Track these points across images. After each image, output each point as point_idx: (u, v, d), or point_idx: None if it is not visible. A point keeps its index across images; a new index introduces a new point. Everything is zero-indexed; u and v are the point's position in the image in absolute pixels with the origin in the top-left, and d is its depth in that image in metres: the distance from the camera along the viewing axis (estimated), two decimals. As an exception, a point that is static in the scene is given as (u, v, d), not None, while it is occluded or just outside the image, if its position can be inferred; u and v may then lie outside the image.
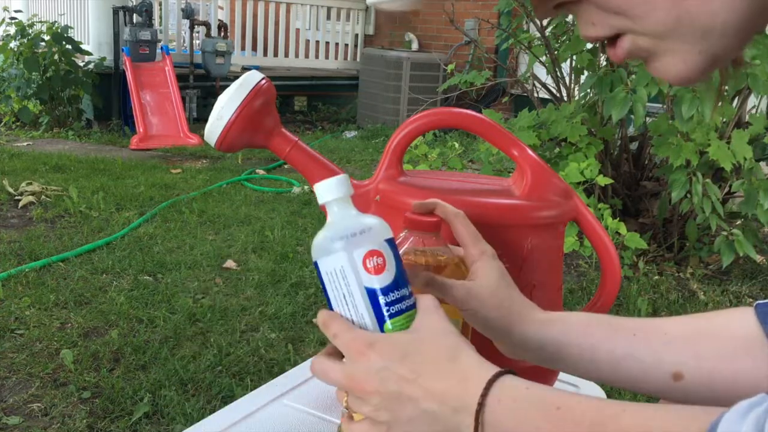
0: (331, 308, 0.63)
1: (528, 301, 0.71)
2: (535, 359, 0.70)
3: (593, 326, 0.70)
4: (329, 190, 0.64)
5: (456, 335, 0.59)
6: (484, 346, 0.80)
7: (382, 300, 0.61)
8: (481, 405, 0.53)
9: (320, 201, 0.64)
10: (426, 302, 0.62)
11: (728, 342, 0.65)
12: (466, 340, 0.59)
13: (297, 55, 7.62)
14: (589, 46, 3.26)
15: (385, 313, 0.61)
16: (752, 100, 3.31)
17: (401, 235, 0.73)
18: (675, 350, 0.66)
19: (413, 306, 0.62)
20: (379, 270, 0.61)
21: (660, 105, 3.55)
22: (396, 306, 0.61)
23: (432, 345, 0.58)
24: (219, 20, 6.85)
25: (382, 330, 0.61)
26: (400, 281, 0.62)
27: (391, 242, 0.63)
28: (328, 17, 7.91)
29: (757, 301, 0.66)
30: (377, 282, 0.61)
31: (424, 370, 0.56)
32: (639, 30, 0.47)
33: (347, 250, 0.61)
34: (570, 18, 3.37)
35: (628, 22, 0.47)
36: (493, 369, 0.56)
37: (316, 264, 0.63)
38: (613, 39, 0.50)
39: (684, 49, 0.47)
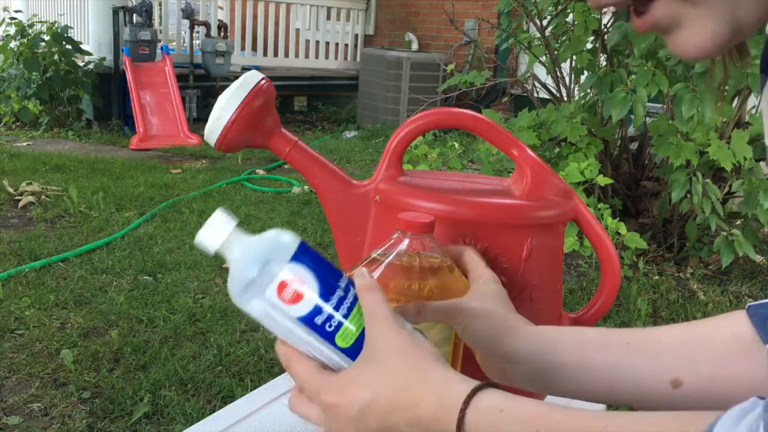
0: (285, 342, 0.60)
1: (522, 318, 0.70)
2: (525, 375, 0.67)
3: (586, 336, 0.68)
4: (211, 237, 0.59)
5: (413, 348, 0.57)
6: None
7: (319, 320, 0.57)
8: None
9: (211, 252, 0.59)
10: (369, 304, 0.58)
11: (724, 347, 0.64)
12: (426, 349, 0.57)
13: (297, 55, 7.63)
14: (589, 46, 3.26)
15: (329, 329, 0.58)
16: (752, 100, 3.31)
17: (395, 235, 0.73)
18: (671, 357, 0.65)
19: (353, 303, 0.59)
20: (298, 297, 0.57)
21: (660, 105, 3.56)
22: (341, 310, 0.58)
23: (395, 370, 0.56)
24: (219, 20, 6.85)
25: (334, 344, 0.58)
26: (327, 288, 0.58)
27: (298, 254, 0.58)
28: (328, 17, 7.91)
29: (749, 303, 0.65)
30: (304, 308, 0.57)
31: (398, 400, 0.55)
32: None
33: (258, 296, 0.57)
34: (570, 18, 3.37)
35: None
36: (466, 387, 0.54)
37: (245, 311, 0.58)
38: (638, 5, 0.48)
39: (712, 16, 0.46)
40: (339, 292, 0.58)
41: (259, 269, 0.57)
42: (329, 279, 0.58)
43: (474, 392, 0.53)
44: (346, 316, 0.58)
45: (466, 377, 0.55)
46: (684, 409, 0.61)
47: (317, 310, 0.57)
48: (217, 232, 0.59)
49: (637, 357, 0.66)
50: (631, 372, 0.65)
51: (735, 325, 0.64)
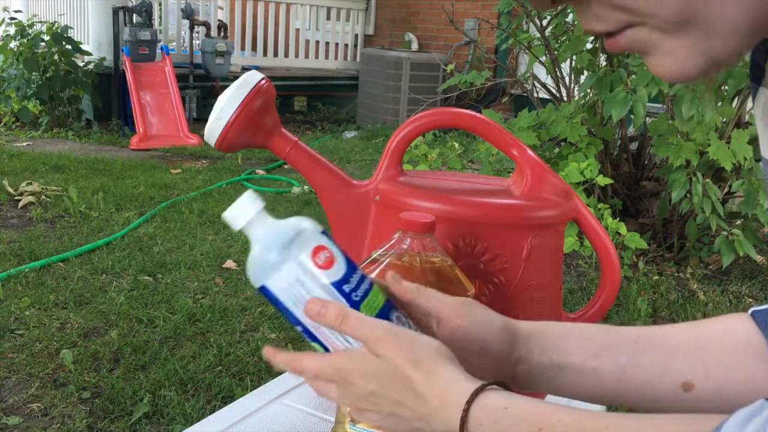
0: (297, 322, 0.61)
1: (511, 320, 0.67)
2: (529, 376, 0.66)
3: (592, 334, 0.66)
4: (243, 213, 0.61)
5: (422, 346, 0.57)
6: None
7: (347, 288, 0.60)
8: (462, 430, 0.53)
9: (237, 227, 0.61)
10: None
11: (734, 350, 0.63)
12: (435, 349, 0.57)
13: (297, 56, 7.62)
14: (589, 46, 3.26)
15: (356, 299, 0.60)
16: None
17: (395, 235, 0.73)
18: (682, 358, 0.63)
19: (372, 282, 0.62)
20: (330, 262, 0.59)
21: (660, 105, 3.56)
22: (361, 288, 0.60)
23: (401, 371, 0.57)
24: (219, 20, 6.85)
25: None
26: (351, 265, 0.61)
27: (325, 233, 0.61)
28: (328, 17, 7.91)
29: (753, 308, 0.64)
30: (335, 274, 0.59)
31: (405, 396, 0.56)
32: (648, 24, 0.46)
33: (293, 258, 0.59)
34: (570, 18, 3.37)
35: (636, 18, 0.46)
36: (471, 385, 0.54)
37: (263, 288, 0.60)
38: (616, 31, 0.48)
39: (686, 48, 0.45)
40: (358, 272, 0.61)
41: (296, 233, 0.60)
42: (350, 258, 0.61)
43: (479, 391, 0.54)
44: (367, 291, 0.61)
45: (471, 377, 0.56)
46: (692, 412, 0.61)
47: (347, 277, 0.60)
48: (248, 209, 0.61)
49: (648, 357, 0.64)
50: (642, 372, 0.64)
51: (743, 329, 0.63)
